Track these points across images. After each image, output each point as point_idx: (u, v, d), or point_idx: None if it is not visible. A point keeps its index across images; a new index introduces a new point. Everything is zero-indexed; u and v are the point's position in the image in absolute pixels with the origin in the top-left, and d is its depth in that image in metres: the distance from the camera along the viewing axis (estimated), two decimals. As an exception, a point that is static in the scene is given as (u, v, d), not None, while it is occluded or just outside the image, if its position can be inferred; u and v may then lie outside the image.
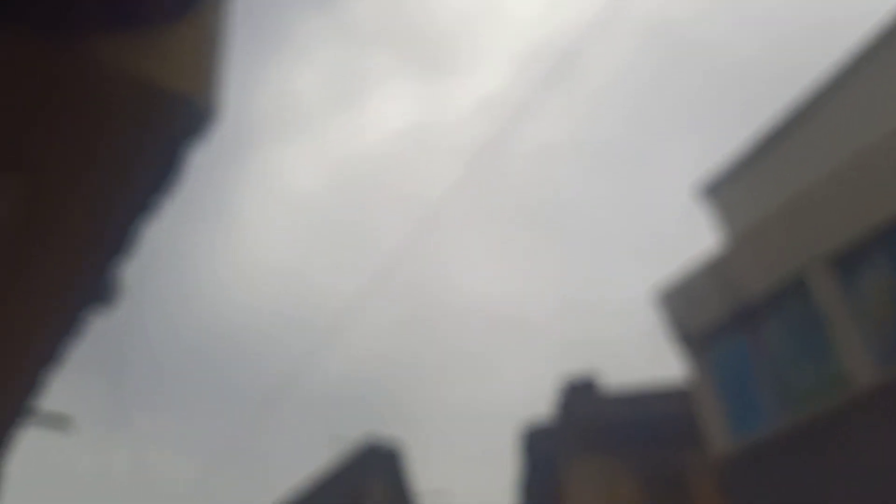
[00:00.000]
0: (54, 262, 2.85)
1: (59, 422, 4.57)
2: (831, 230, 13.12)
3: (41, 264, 2.76)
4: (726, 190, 16.64)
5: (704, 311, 16.48)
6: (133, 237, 3.10)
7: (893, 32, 12.66)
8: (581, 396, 19.31)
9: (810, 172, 13.91)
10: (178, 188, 3.22)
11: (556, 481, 19.02)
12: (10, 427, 3.43)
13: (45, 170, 2.83)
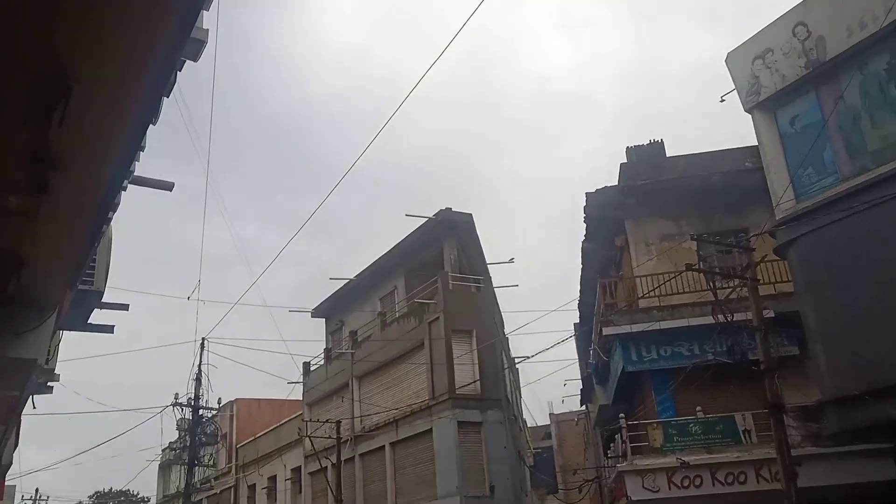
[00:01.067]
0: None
1: (162, 183, 5.27)
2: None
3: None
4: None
5: (779, 69, 15.87)
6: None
7: None
8: (645, 162, 19.48)
9: None
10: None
11: (619, 245, 19.87)
12: (117, 185, 4.02)
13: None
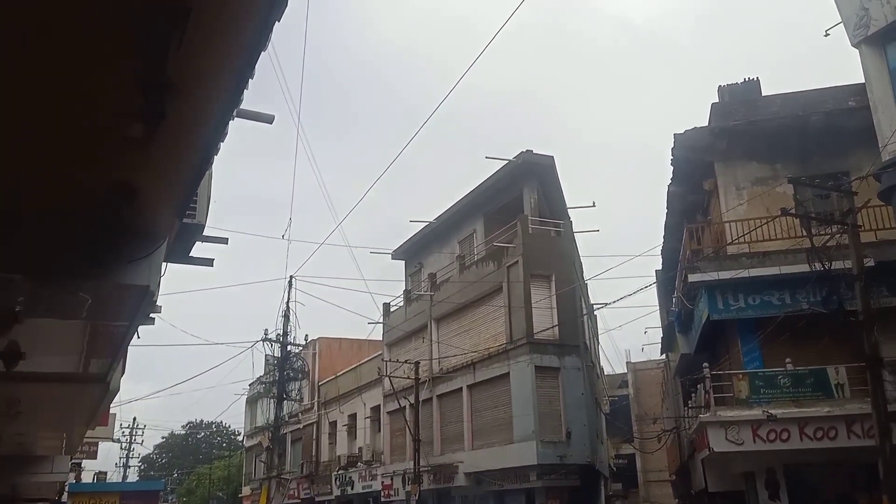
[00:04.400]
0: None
1: (263, 116, 5.36)
2: None
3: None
4: None
5: (890, 0, 14.69)
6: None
7: None
8: (738, 102, 18.56)
9: None
10: None
11: (707, 189, 19.17)
12: (227, 114, 4.08)
13: None
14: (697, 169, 18.82)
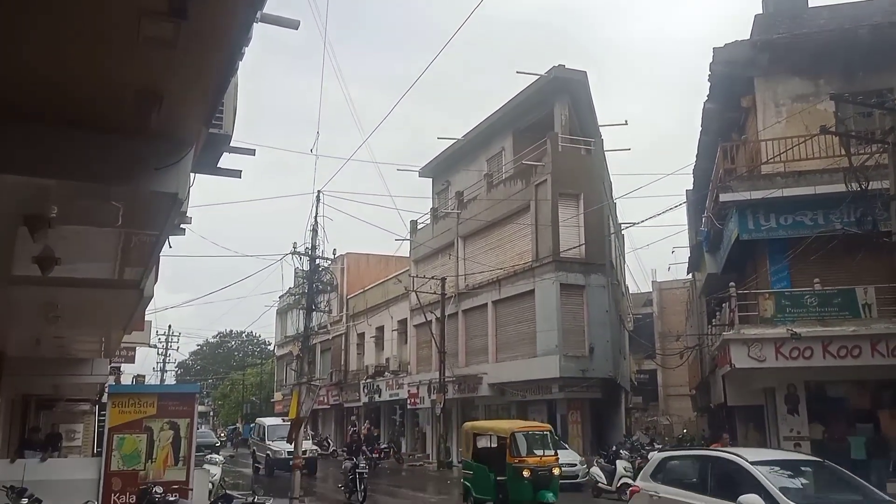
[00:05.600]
0: None
1: (288, 21, 5.26)
2: None
3: None
4: None
5: None
6: None
7: None
8: (783, 14, 17.73)
9: None
10: None
11: (745, 106, 18.59)
12: (251, 16, 4.00)
13: None
14: (736, 85, 18.19)
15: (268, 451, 25.66)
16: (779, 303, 15.94)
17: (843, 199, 13.66)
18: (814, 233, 15.38)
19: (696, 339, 28.40)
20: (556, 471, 14.13)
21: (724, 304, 18.12)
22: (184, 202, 10.24)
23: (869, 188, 12.72)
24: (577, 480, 19.82)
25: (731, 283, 16.96)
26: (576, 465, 20.33)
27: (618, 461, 17.98)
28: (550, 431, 15.20)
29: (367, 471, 17.48)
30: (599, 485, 17.84)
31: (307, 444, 23.02)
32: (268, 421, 28.29)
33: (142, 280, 8.25)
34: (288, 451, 20.96)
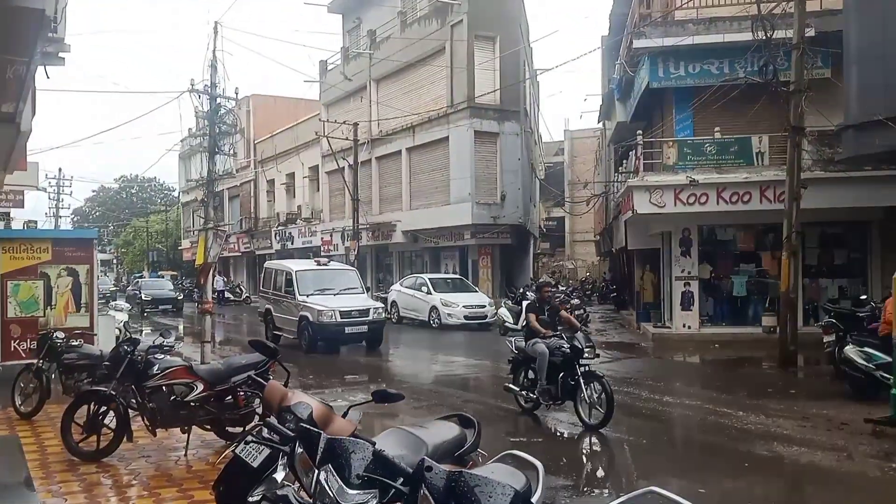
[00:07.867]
0: None
1: None
2: None
3: None
4: None
5: None
6: None
7: None
8: None
9: None
10: None
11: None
12: None
13: None
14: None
15: (305, 313, 15.77)
16: (681, 151, 16.50)
17: (749, 48, 13.83)
18: (719, 82, 15.69)
19: (602, 187, 29.35)
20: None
21: (630, 153, 18.59)
22: (57, 22, 9.31)
23: (773, 37, 12.88)
24: (487, 321, 20.84)
25: (639, 132, 17.33)
26: (485, 306, 21.29)
27: (524, 302, 18.94)
28: None
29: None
30: (506, 324, 18.83)
31: (371, 303, 16.54)
32: (294, 265, 18.14)
33: (15, 113, 7.59)
34: (347, 312, 15.33)
